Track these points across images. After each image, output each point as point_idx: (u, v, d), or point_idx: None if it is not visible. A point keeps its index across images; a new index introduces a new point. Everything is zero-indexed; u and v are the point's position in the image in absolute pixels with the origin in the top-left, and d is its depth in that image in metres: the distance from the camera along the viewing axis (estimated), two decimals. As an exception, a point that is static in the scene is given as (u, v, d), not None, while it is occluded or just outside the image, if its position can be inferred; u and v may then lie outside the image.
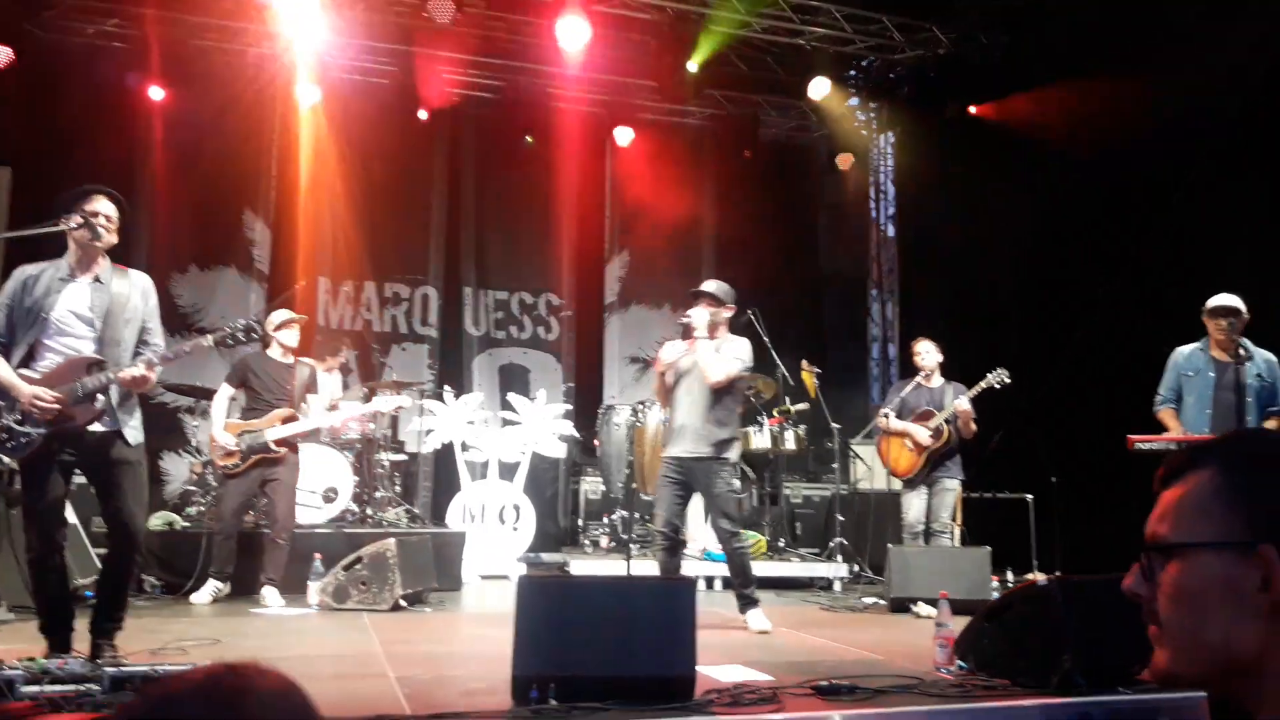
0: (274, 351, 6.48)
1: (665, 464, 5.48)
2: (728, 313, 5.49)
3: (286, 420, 6.32)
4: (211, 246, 9.50)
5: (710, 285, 5.54)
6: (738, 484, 5.51)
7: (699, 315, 5.38)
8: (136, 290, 4.13)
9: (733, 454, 5.43)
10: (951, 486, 6.86)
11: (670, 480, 5.44)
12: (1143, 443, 5.37)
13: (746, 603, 5.53)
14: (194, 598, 6.21)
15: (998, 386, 6.75)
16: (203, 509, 7.34)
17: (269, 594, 6.18)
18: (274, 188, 9.75)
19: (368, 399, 7.97)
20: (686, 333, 5.42)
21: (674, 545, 5.48)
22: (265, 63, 9.50)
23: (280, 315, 6.54)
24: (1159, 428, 5.65)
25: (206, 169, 9.22)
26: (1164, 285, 7.00)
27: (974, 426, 6.76)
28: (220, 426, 6.31)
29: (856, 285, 11.57)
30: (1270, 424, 5.33)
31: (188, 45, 9.05)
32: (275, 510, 6.31)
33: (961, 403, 6.69)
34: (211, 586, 6.25)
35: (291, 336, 6.49)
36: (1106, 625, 3.87)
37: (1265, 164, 6.74)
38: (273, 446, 6.25)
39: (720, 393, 5.35)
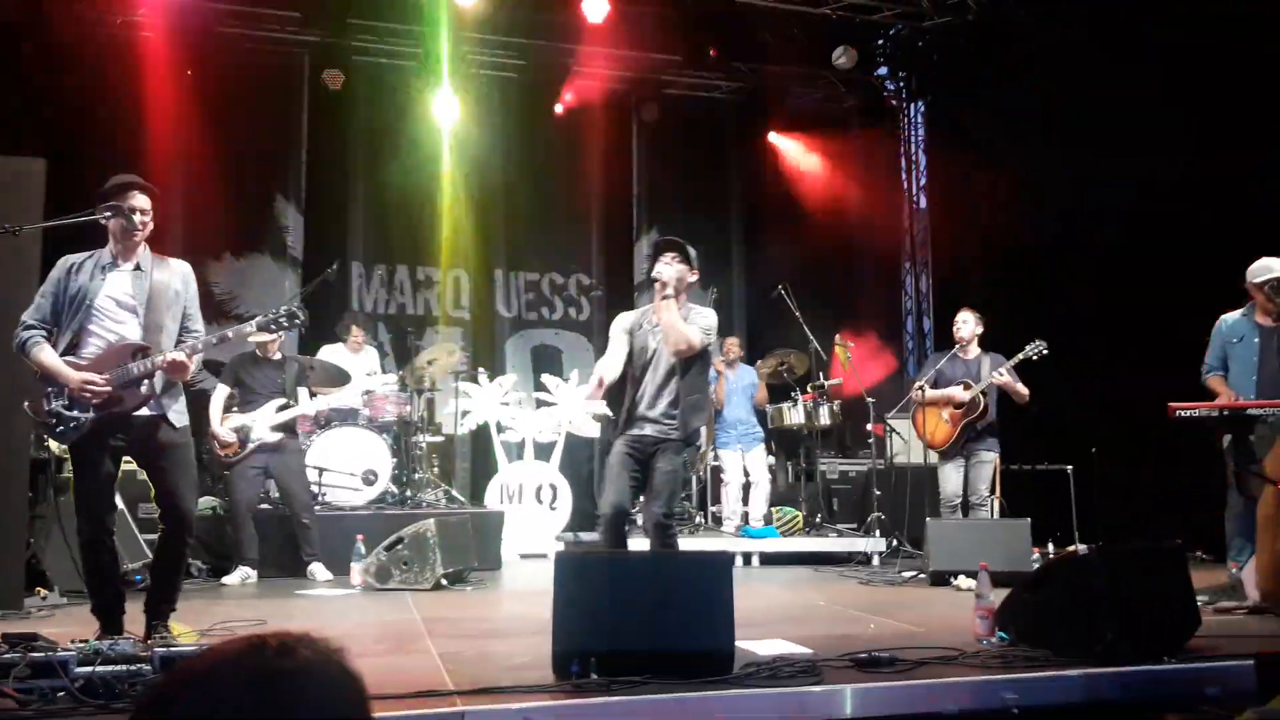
0: (260, 351, 6.82)
1: (622, 441, 4.55)
2: (693, 276, 4.64)
3: (280, 409, 6.69)
4: (245, 233, 9.59)
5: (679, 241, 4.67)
6: (687, 473, 4.68)
7: (669, 270, 4.49)
8: (177, 277, 4.19)
9: (698, 438, 4.71)
10: (988, 459, 6.82)
11: (628, 456, 4.49)
12: (1184, 410, 5.30)
13: None
14: (225, 579, 6.41)
15: (1035, 358, 6.68)
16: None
17: (316, 569, 6.55)
18: (304, 173, 9.82)
19: (403, 382, 8.04)
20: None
21: (621, 536, 4.50)
22: (292, 48, 9.57)
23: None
24: (1200, 396, 5.56)
25: (238, 156, 9.29)
26: (1207, 250, 6.87)
27: (1023, 389, 6.68)
28: (218, 421, 6.64)
29: (889, 258, 11.45)
30: None
31: (216, 32, 9.12)
32: (290, 494, 6.68)
33: (999, 376, 6.63)
34: (241, 571, 6.44)
35: (267, 343, 6.75)
36: (1149, 594, 3.84)
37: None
38: (268, 434, 6.60)
39: (689, 370, 4.52)
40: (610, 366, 4.58)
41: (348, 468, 7.37)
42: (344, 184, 9.88)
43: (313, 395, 7.12)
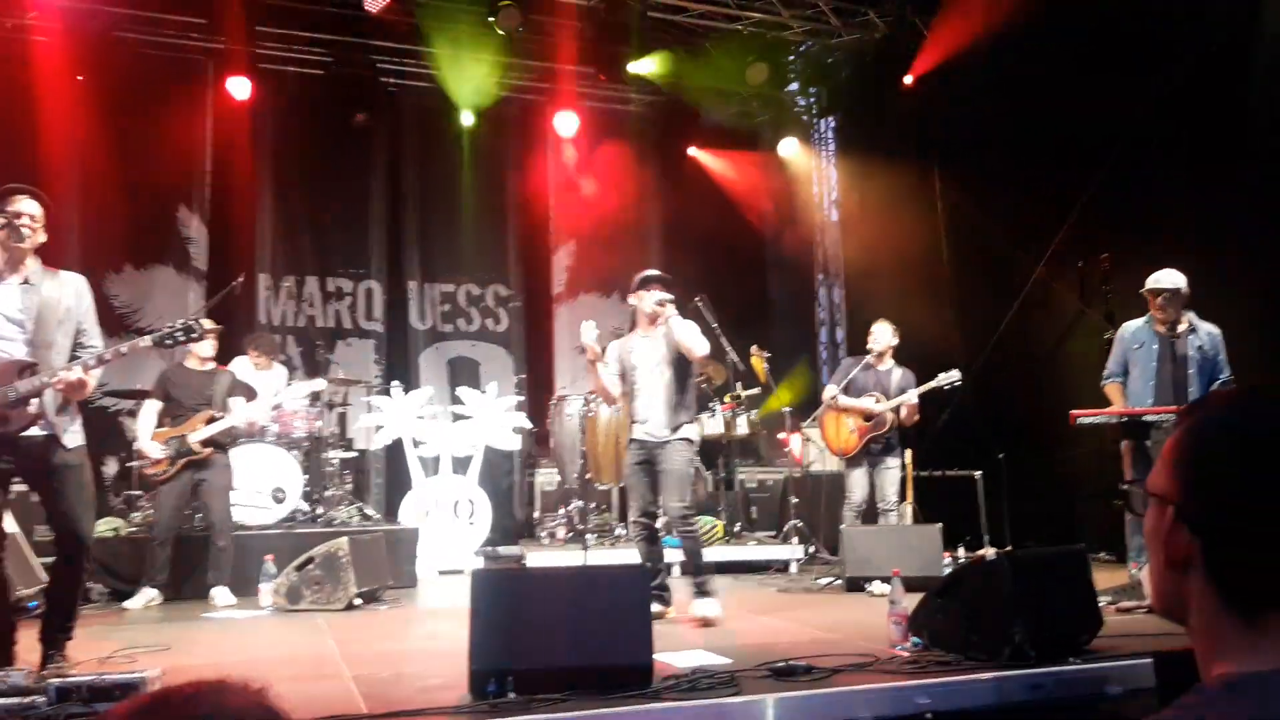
0: (191, 362, 6.54)
1: (631, 448, 5.37)
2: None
3: (209, 422, 6.39)
4: (146, 245, 9.27)
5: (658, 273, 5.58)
6: (696, 466, 5.42)
7: (667, 297, 5.37)
8: (69, 291, 4.02)
9: (693, 434, 5.36)
10: (893, 464, 6.97)
11: (638, 464, 5.32)
12: (1085, 418, 5.49)
13: (697, 593, 5.24)
14: (128, 603, 6.14)
15: (946, 389, 6.86)
16: (149, 514, 7.19)
17: (219, 594, 6.23)
18: (209, 184, 9.53)
19: (314, 397, 7.84)
20: (652, 320, 5.36)
21: (653, 533, 5.37)
22: (195, 55, 9.30)
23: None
24: (1105, 402, 5.76)
25: (139, 166, 8.98)
26: (1102, 259, 7.12)
27: (916, 417, 6.89)
28: (148, 438, 6.34)
29: (803, 269, 11.63)
30: None
31: (114, 38, 8.81)
32: (211, 513, 6.38)
33: (907, 397, 6.79)
34: (146, 594, 6.18)
35: (207, 347, 6.53)
36: (1054, 597, 3.95)
37: (1203, 133, 6.87)
38: (197, 448, 6.29)
39: (682, 374, 5.33)
40: (613, 383, 5.46)
41: (255, 486, 7.16)
42: (251, 194, 9.62)
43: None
